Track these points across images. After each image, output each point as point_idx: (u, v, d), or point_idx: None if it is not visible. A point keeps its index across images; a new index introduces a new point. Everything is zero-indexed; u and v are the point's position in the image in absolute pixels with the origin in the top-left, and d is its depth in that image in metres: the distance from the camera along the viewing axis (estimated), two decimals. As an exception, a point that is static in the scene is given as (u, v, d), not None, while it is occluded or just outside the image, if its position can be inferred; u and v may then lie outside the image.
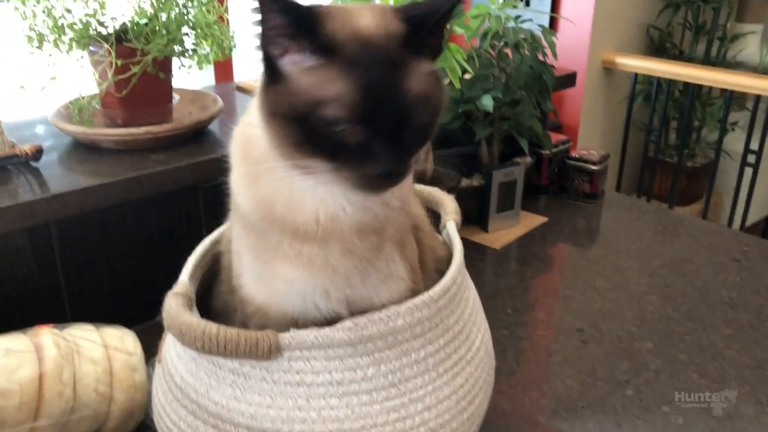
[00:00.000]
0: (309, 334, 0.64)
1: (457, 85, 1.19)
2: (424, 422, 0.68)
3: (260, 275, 0.68)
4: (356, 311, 0.67)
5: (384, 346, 0.66)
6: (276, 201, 0.63)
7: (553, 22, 2.14)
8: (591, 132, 2.36)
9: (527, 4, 2.21)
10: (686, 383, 0.98)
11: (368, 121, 0.55)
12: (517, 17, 1.37)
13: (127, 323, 0.92)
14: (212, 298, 0.80)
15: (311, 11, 0.56)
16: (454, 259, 0.77)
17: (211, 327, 0.62)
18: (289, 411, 0.65)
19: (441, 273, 0.74)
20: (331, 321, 0.66)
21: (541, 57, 1.41)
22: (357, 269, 0.65)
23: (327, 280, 0.65)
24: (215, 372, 0.67)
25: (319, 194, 0.62)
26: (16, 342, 0.78)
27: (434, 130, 0.61)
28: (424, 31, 0.57)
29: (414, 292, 0.70)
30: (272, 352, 0.63)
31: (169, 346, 0.74)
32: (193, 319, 0.63)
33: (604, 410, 0.93)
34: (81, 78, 1.11)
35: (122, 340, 0.85)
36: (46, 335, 0.80)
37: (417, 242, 0.76)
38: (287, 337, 0.64)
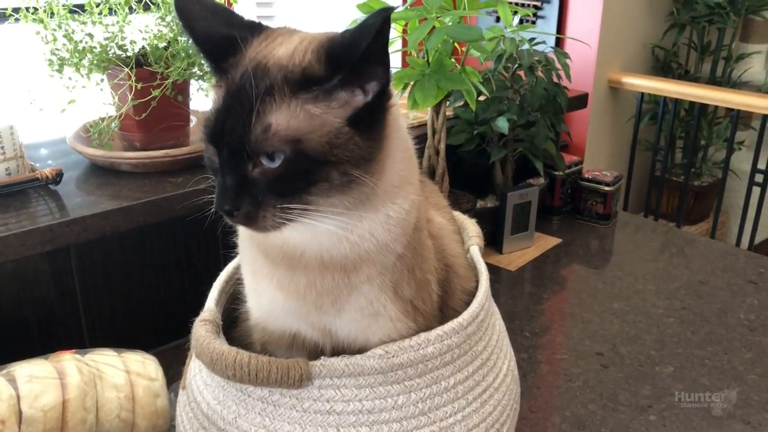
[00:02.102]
0: (339, 362, 0.64)
1: (474, 108, 1.19)
2: (454, 451, 0.67)
3: (253, 289, 0.70)
4: (343, 347, 0.67)
5: (414, 374, 0.66)
6: None
7: (559, 43, 2.15)
8: (598, 152, 2.36)
9: (533, 24, 2.22)
10: (710, 408, 0.97)
11: (215, 146, 0.56)
12: (532, 39, 1.38)
13: (145, 346, 0.92)
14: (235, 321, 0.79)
15: (247, 26, 0.59)
16: (480, 285, 0.77)
17: (243, 355, 0.62)
18: (319, 440, 0.64)
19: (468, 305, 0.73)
20: (320, 349, 0.68)
21: (555, 78, 1.41)
22: (324, 301, 0.63)
23: (299, 304, 0.64)
24: (244, 400, 0.66)
25: None
26: (38, 368, 0.78)
27: (317, 180, 0.54)
28: (342, 69, 0.53)
29: (419, 332, 0.67)
30: (303, 380, 0.63)
31: (195, 372, 0.74)
32: (224, 348, 0.63)
33: (628, 436, 0.92)
34: (100, 101, 1.11)
35: (144, 366, 0.85)
36: (69, 361, 0.80)
37: (447, 284, 0.74)
38: (318, 365, 0.63)
